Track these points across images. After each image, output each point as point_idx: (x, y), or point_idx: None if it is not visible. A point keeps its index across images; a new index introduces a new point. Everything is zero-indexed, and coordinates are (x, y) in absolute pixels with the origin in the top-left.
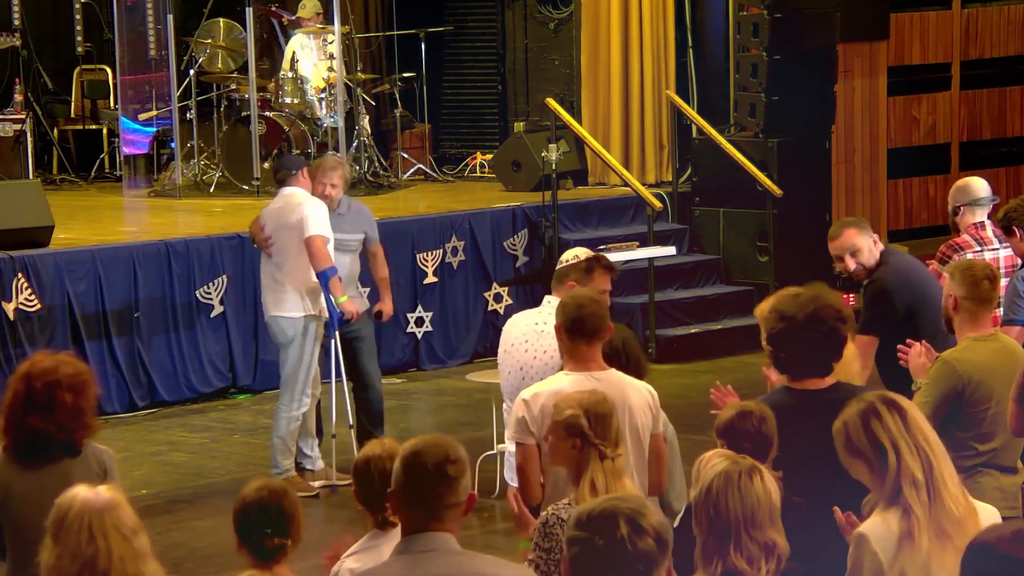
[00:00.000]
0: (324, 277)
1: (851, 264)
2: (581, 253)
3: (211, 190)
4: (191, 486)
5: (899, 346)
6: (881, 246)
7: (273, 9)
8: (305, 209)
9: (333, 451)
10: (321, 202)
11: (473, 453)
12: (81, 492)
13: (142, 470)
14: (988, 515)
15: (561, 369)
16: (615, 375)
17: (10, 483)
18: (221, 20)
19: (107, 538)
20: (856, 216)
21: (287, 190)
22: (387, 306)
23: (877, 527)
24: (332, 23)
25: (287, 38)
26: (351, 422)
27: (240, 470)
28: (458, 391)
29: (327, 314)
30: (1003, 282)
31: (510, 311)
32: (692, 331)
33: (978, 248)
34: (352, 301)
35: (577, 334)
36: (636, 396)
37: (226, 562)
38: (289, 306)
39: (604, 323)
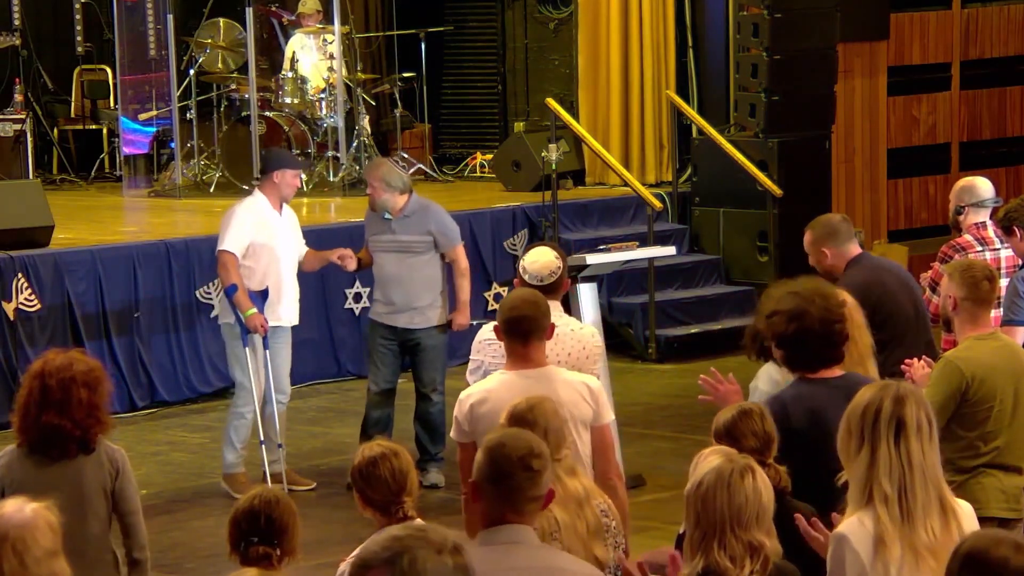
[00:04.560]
0: (227, 295)
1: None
2: (555, 255)
3: (211, 190)
4: (191, 486)
5: (903, 363)
6: (855, 252)
7: (273, 9)
8: (223, 219)
9: (282, 457)
10: (251, 210)
11: None
12: (6, 507)
13: (142, 470)
14: (967, 520)
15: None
16: (549, 371)
17: (24, 479)
18: (221, 20)
19: (3, 560)
20: (841, 215)
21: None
22: (460, 316)
23: (855, 527)
24: (332, 23)
25: (287, 38)
26: (261, 438)
27: None
28: (458, 391)
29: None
30: (1004, 282)
31: None
32: (692, 331)
33: (980, 248)
34: (257, 315)
35: (512, 334)
36: (566, 390)
37: (226, 562)
38: (217, 309)
39: (540, 323)
